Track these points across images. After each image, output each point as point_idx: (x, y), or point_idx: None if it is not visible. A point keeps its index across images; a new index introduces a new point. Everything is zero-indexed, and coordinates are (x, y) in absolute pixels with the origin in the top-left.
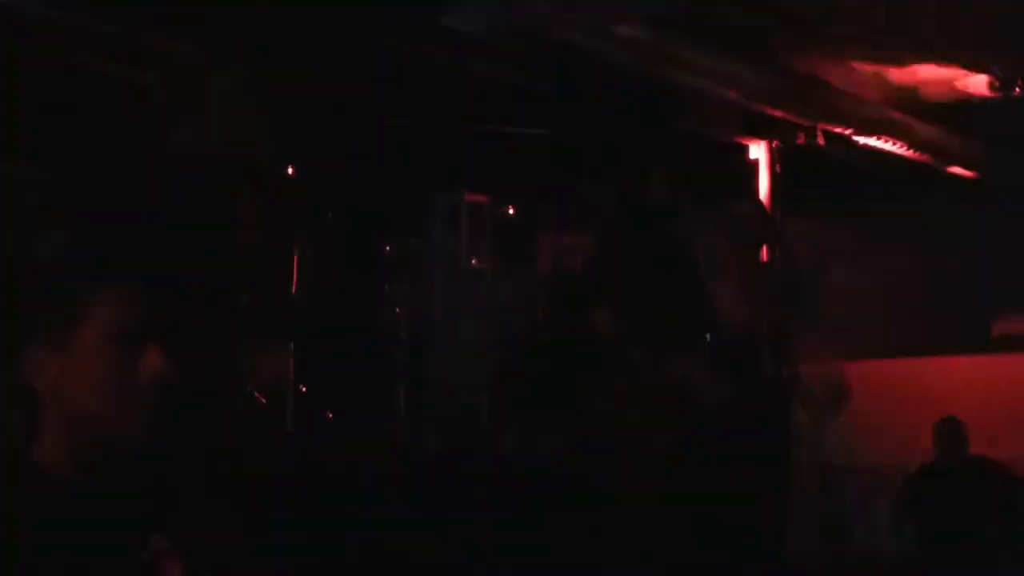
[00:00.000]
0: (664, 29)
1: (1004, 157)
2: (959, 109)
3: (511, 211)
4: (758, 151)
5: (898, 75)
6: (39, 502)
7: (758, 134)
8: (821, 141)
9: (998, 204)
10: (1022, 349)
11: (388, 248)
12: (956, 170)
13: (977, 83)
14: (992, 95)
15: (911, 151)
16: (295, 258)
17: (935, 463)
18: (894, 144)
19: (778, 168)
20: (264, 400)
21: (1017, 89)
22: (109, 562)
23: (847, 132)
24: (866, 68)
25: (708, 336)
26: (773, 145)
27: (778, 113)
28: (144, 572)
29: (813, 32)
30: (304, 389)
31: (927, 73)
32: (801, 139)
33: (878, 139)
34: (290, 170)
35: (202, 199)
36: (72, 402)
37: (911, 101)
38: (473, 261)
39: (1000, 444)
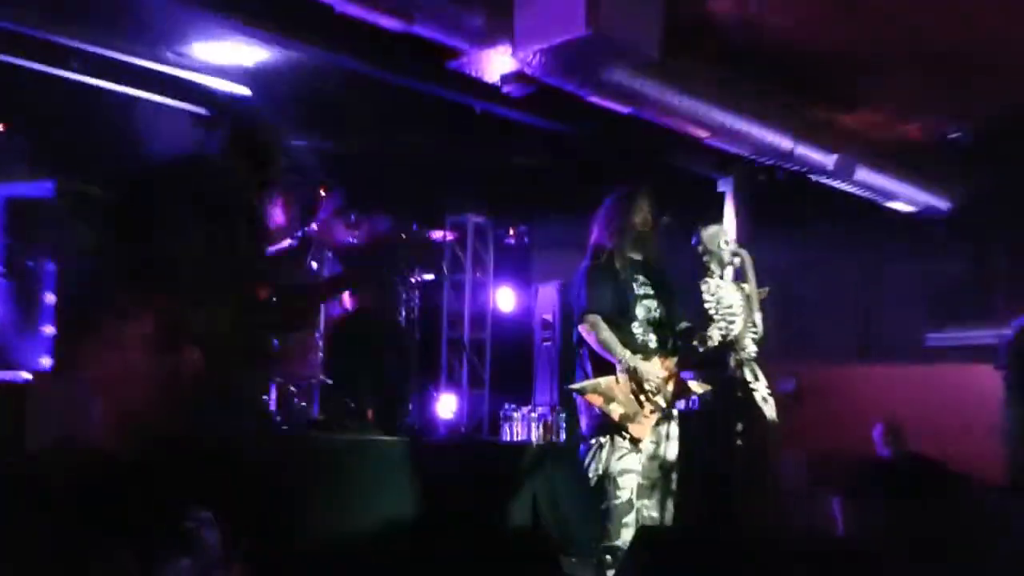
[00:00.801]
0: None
1: (936, 194)
2: (900, 151)
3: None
4: (725, 184)
5: (848, 121)
6: (100, 479)
7: (725, 170)
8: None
9: (933, 232)
10: (951, 359)
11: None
12: (895, 205)
13: (914, 129)
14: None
15: (855, 189)
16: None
17: (877, 458)
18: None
19: (742, 198)
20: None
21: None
22: (158, 530)
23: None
24: (820, 115)
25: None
26: (739, 179)
27: (743, 152)
28: (187, 538)
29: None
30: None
31: (872, 119)
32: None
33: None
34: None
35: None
36: (121, 390)
37: (858, 144)
38: None
39: (934, 442)
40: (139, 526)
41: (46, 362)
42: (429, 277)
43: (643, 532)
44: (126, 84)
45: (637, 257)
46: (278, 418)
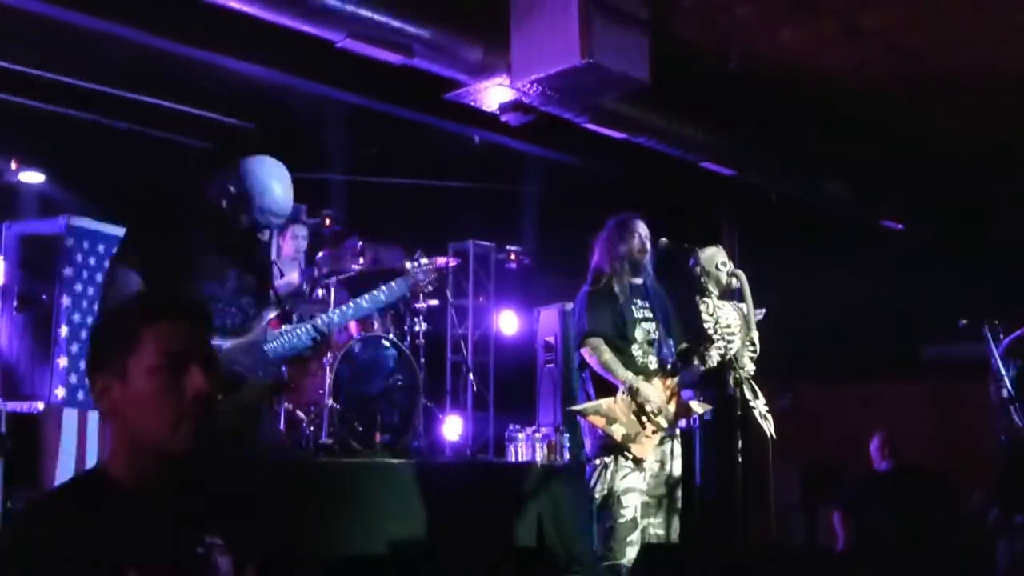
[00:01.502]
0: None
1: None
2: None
3: None
4: (720, 207)
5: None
6: (112, 507)
7: (720, 192)
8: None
9: (922, 250)
10: (947, 373)
11: None
12: (886, 223)
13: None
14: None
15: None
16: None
17: (875, 469)
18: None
19: (737, 220)
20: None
21: None
22: (169, 556)
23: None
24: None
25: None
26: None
27: (737, 175)
28: (198, 564)
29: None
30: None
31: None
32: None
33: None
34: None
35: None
36: (131, 419)
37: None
38: None
39: (929, 453)
40: (151, 557)
41: (60, 393)
42: (433, 302)
43: (647, 550)
44: (132, 122)
45: (636, 281)
46: (287, 443)
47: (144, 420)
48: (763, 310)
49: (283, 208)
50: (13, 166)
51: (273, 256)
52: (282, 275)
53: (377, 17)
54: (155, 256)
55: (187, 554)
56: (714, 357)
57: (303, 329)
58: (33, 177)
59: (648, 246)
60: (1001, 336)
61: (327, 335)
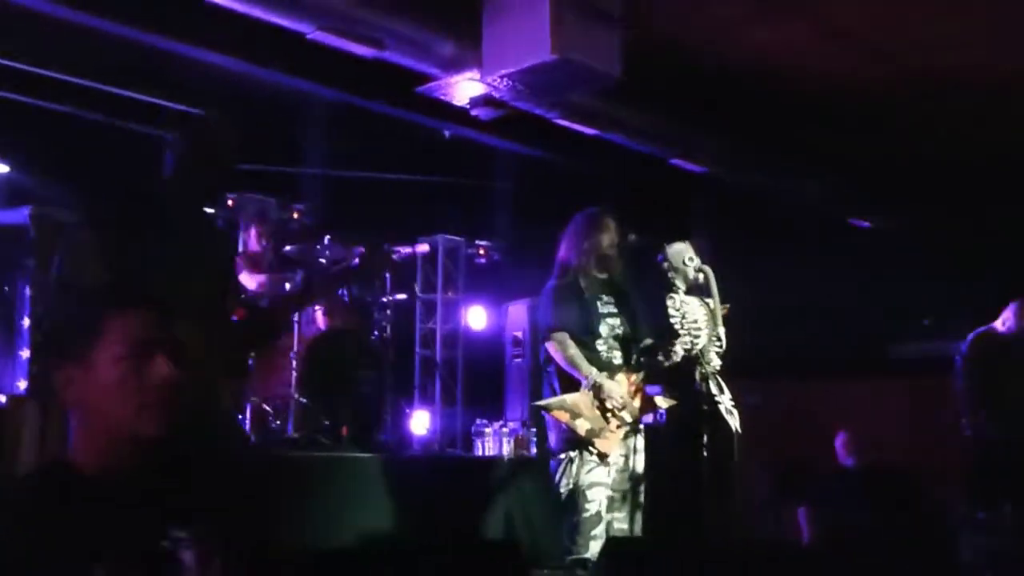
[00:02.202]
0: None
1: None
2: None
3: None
4: (690, 203)
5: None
6: (77, 499)
7: (689, 188)
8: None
9: (892, 250)
10: (913, 370)
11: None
12: (856, 221)
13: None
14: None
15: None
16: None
17: (841, 467)
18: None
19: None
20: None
21: None
22: (134, 549)
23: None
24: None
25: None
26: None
27: (706, 171)
28: (164, 557)
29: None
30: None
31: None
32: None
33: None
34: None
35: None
36: (95, 408)
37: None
38: None
39: (895, 450)
40: (116, 549)
41: (22, 385)
42: (401, 296)
43: (611, 544)
44: (93, 110)
45: (601, 276)
46: (253, 437)
47: (110, 408)
48: (727, 306)
49: None
50: None
51: (240, 249)
52: (253, 271)
53: (348, 9)
54: (119, 244)
55: (152, 548)
56: (678, 353)
57: None
58: None
59: (616, 240)
60: (965, 335)
61: None
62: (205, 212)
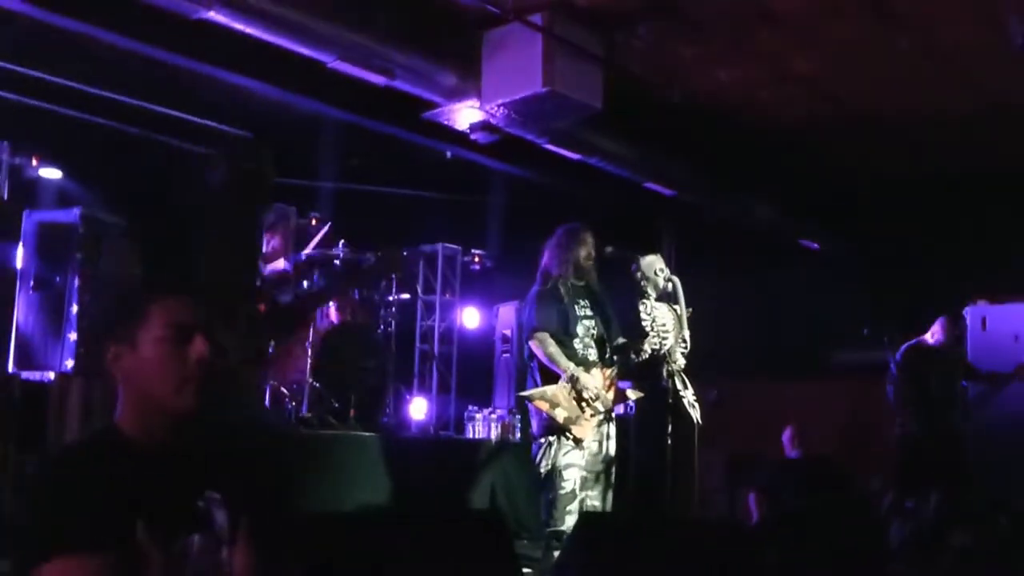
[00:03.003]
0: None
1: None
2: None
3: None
4: (661, 221)
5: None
6: (124, 461)
7: (661, 209)
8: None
9: (835, 267)
10: (852, 374)
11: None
12: (804, 242)
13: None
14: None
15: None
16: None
17: (786, 457)
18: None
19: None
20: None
21: None
22: (172, 506)
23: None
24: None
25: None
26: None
27: (676, 195)
28: (199, 515)
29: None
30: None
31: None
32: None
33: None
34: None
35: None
36: (139, 383)
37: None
38: None
39: (834, 445)
40: (157, 506)
41: (70, 364)
42: (404, 296)
43: (585, 518)
44: (136, 125)
45: (579, 283)
46: (271, 416)
47: (152, 383)
48: (690, 309)
49: None
50: (34, 162)
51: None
52: (268, 264)
53: (363, 43)
54: (158, 241)
55: (188, 506)
56: (647, 352)
57: None
58: (51, 173)
59: (593, 252)
60: (898, 345)
61: None
62: (240, 221)
